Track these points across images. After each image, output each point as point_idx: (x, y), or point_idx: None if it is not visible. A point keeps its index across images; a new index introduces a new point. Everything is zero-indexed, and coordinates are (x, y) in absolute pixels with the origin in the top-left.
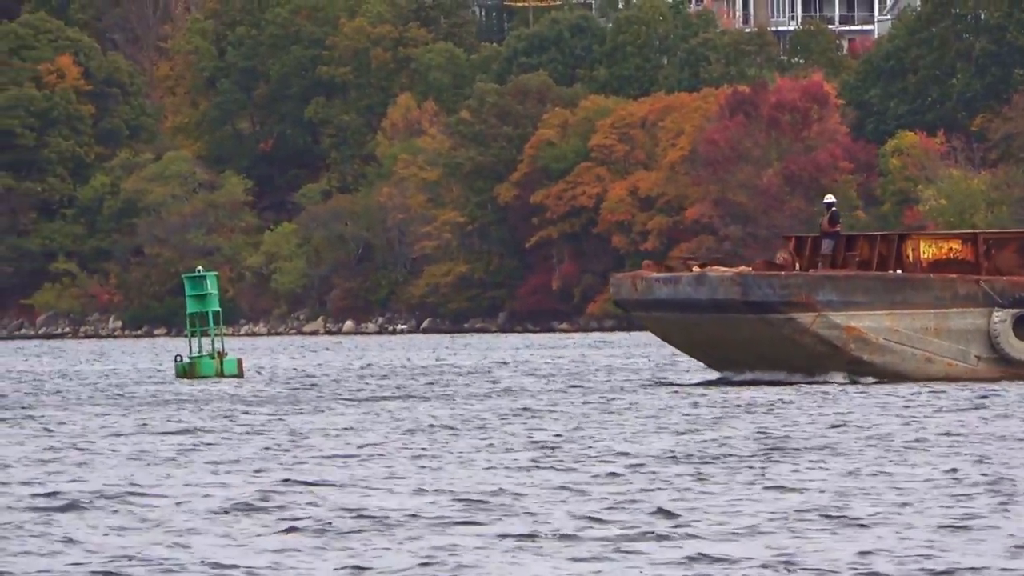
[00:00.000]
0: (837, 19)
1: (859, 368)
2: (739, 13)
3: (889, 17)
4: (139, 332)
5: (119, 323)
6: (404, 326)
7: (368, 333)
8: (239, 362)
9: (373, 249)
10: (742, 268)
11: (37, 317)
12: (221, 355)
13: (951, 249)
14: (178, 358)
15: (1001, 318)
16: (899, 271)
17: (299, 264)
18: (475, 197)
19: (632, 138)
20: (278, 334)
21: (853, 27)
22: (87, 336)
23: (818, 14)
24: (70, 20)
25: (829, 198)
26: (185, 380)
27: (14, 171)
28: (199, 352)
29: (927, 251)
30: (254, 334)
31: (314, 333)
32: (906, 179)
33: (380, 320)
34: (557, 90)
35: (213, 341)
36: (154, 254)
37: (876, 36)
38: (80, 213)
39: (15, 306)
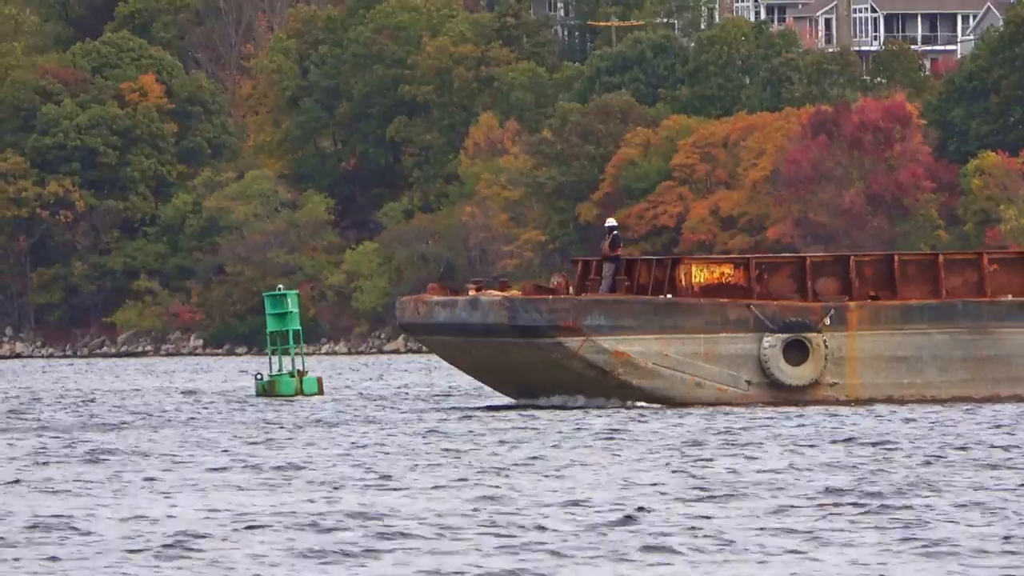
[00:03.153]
0: (920, 39)
1: (628, 393)
2: (822, 33)
3: (972, 37)
4: (220, 350)
5: (200, 341)
6: None
7: None
8: (319, 380)
9: (455, 268)
10: (512, 292)
11: (119, 335)
12: (301, 374)
13: (723, 274)
14: (258, 376)
15: (771, 343)
16: (671, 295)
17: (380, 283)
18: (557, 216)
19: (714, 157)
20: (359, 353)
21: (936, 47)
22: (168, 354)
23: (901, 34)
24: (153, 39)
25: (610, 222)
26: (265, 398)
27: (97, 189)
28: (279, 370)
29: (699, 275)
30: (335, 353)
31: (395, 352)
32: (988, 199)
33: None
34: (639, 109)
35: (293, 360)
36: (236, 273)
37: (959, 56)
38: (162, 232)
39: (97, 324)
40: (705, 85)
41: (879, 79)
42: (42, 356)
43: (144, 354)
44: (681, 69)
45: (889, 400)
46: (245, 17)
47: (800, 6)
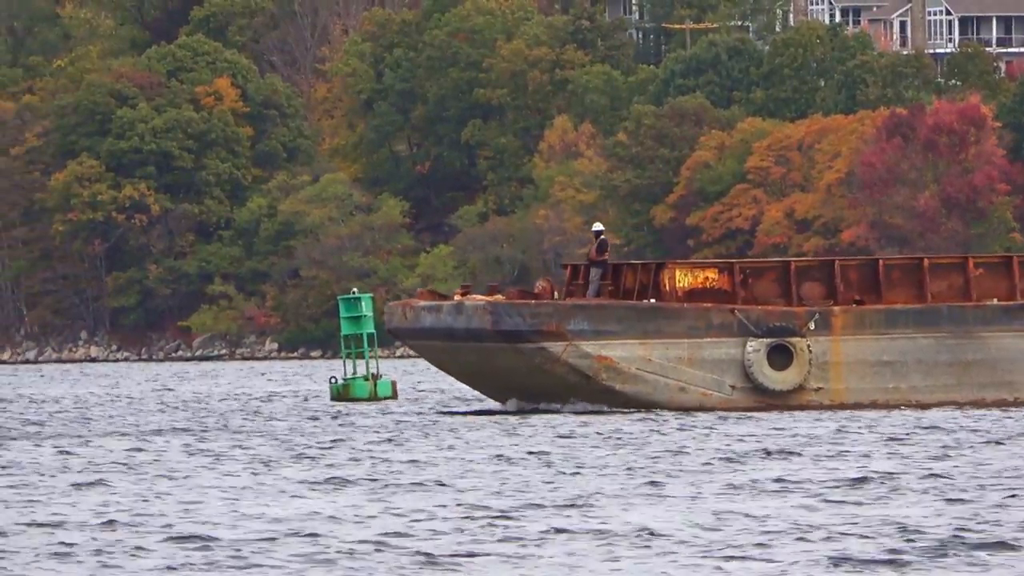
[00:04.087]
0: (994, 41)
1: (611, 398)
2: (896, 35)
3: None
4: (295, 354)
5: (275, 345)
6: None
7: None
8: (393, 384)
9: (529, 271)
10: (496, 296)
11: (194, 339)
12: (376, 377)
13: (707, 278)
14: (333, 379)
15: (755, 348)
16: (654, 300)
17: (455, 286)
18: (631, 219)
19: (789, 160)
20: None
21: (1011, 49)
22: (243, 358)
23: (975, 36)
24: (228, 42)
25: (597, 226)
26: (339, 402)
27: (172, 193)
28: (354, 374)
29: (683, 280)
30: (408, 356)
31: None
32: None
33: None
34: (714, 112)
35: (368, 363)
36: (310, 276)
37: None
38: (237, 235)
39: (172, 328)
40: (780, 88)
41: (953, 81)
42: (117, 360)
43: (219, 358)
44: (756, 72)
45: (874, 405)
46: (320, 20)
47: (875, 8)
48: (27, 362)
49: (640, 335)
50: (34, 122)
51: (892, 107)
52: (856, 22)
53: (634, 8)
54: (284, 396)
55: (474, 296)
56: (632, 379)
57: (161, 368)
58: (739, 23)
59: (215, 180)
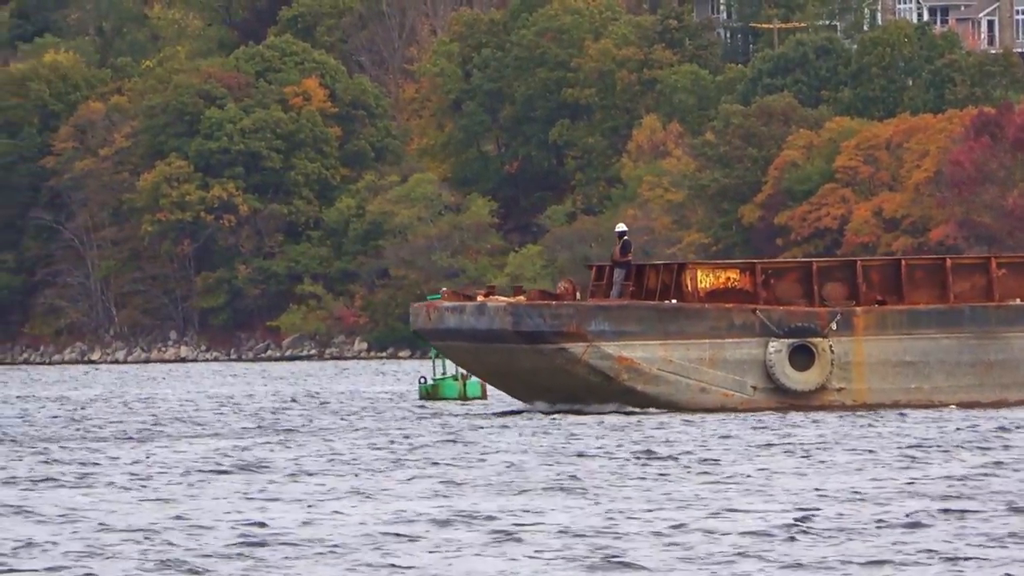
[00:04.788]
0: None
1: (632, 399)
2: (984, 34)
3: None
4: (384, 354)
5: (364, 345)
6: None
7: None
8: (483, 384)
9: None
10: (518, 298)
11: (283, 339)
12: (465, 377)
13: (728, 279)
14: (422, 380)
15: (777, 348)
16: (675, 301)
17: (544, 285)
18: (720, 218)
19: (877, 159)
20: None
21: None
22: (332, 358)
23: None
24: (316, 42)
25: (620, 227)
26: (428, 402)
27: (260, 193)
28: (443, 374)
29: (705, 280)
30: None
31: None
32: None
33: None
34: (802, 111)
35: None
36: (399, 276)
37: None
38: (326, 235)
39: (261, 328)
40: (868, 87)
41: None
42: (206, 360)
43: (308, 358)
44: (844, 71)
45: (896, 405)
46: (408, 20)
47: (962, 8)
48: (116, 362)
49: (661, 336)
50: (123, 123)
51: (980, 106)
52: (944, 21)
53: (722, 8)
54: (402, 395)
55: (497, 297)
56: (653, 380)
57: (267, 367)
58: (827, 22)
59: (304, 180)
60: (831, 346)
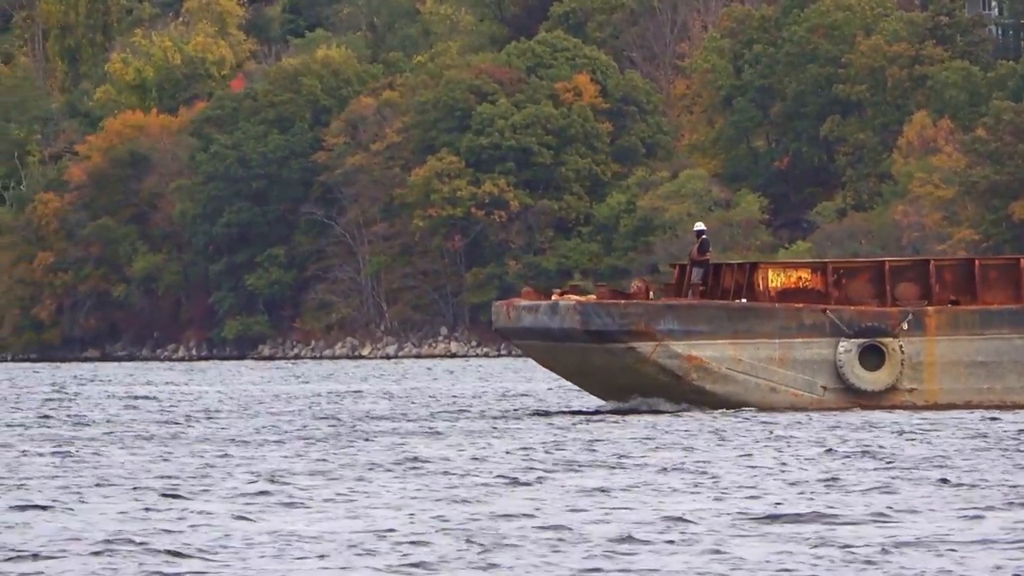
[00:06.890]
0: None
1: (701, 398)
2: None
3: None
4: None
5: None
6: None
7: None
8: None
9: None
10: (589, 296)
11: None
12: None
13: (800, 278)
14: None
15: (847, 348)
16: (746, 300)
17: None
18: (990, 215)
19: None
20: None
21: None
22: None
23: None
24: (588, 38)
25: (699, 226)
26: None
27: (531, 189)
28: None
29: (776, 280)
30: None
31: None
32: None
33: None
34: None
35: None
36: (669, 272)
37: None
38: (596, 231)
39: None
40: None
41: None
42: (476, 356)
43: None
44: None
45: (967, 406)
46: (680, 16)
47: None
48: (387, 357)
49: (731, 335)
50: (394, 118)
51: None
52: None
53: (993, 4)
54: None
55: (569, 296)
56: (723, 379)
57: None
58: None
59: (574, 176)
60: (901, 346)
